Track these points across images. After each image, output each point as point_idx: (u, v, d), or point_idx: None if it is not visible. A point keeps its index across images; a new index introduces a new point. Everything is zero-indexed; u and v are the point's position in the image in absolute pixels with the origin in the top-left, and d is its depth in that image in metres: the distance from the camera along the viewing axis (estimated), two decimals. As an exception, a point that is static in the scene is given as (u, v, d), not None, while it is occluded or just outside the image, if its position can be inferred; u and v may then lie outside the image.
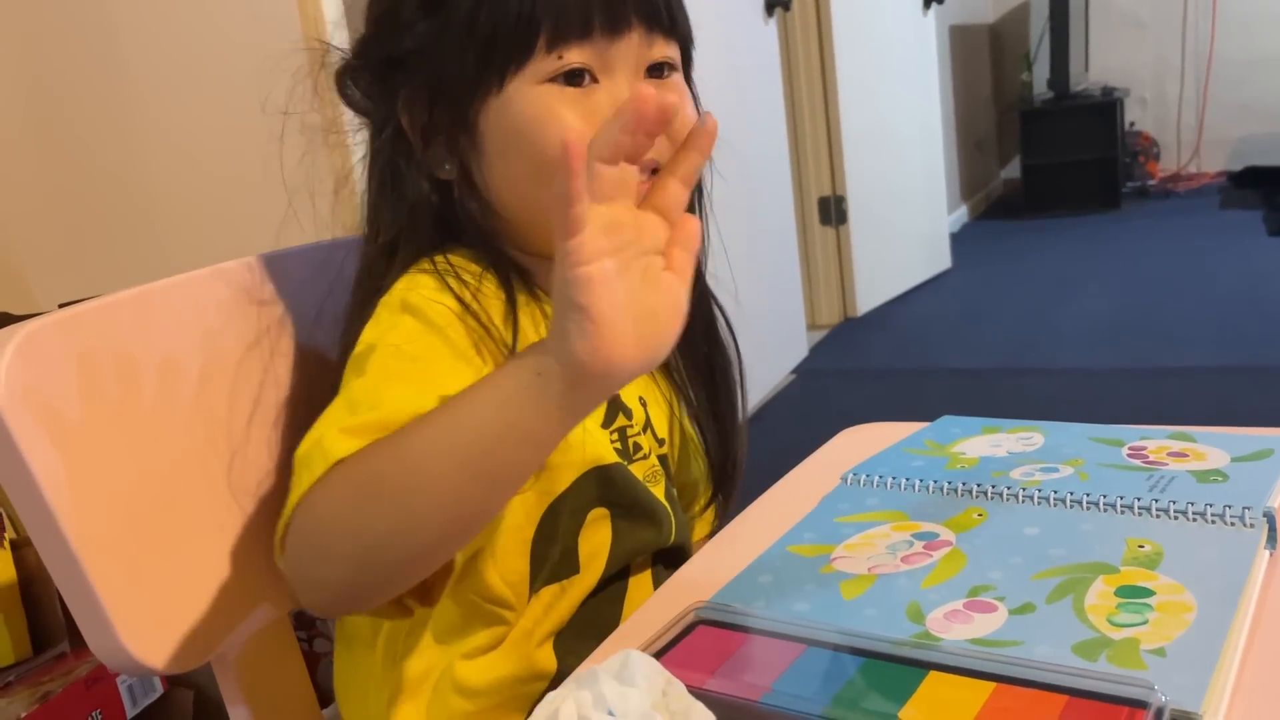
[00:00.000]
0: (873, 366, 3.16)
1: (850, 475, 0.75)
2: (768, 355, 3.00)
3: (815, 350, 3.30)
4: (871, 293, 3.65)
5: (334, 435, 0.54)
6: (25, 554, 1.20)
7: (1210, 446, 0.73)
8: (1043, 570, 0.59)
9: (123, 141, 1.72)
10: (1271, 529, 0.59)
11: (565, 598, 0.70)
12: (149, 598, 0.65)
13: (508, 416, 0.50)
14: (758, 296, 2.92)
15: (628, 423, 0.73)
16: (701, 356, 0.79)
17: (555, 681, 0.68)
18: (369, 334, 0.62)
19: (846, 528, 0.68)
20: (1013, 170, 5.46)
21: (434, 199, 0.68)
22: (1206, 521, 0.61)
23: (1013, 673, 0.48)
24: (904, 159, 3.76)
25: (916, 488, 0.72)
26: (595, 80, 0.64)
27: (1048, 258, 4.13)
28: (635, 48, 0.65)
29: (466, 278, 0.65)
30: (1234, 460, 0.69)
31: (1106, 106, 4.76)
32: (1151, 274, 3.67)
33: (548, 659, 0.69)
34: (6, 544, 1.20)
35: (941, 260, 4.05)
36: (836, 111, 3.40)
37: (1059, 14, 4.71)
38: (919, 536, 0.65)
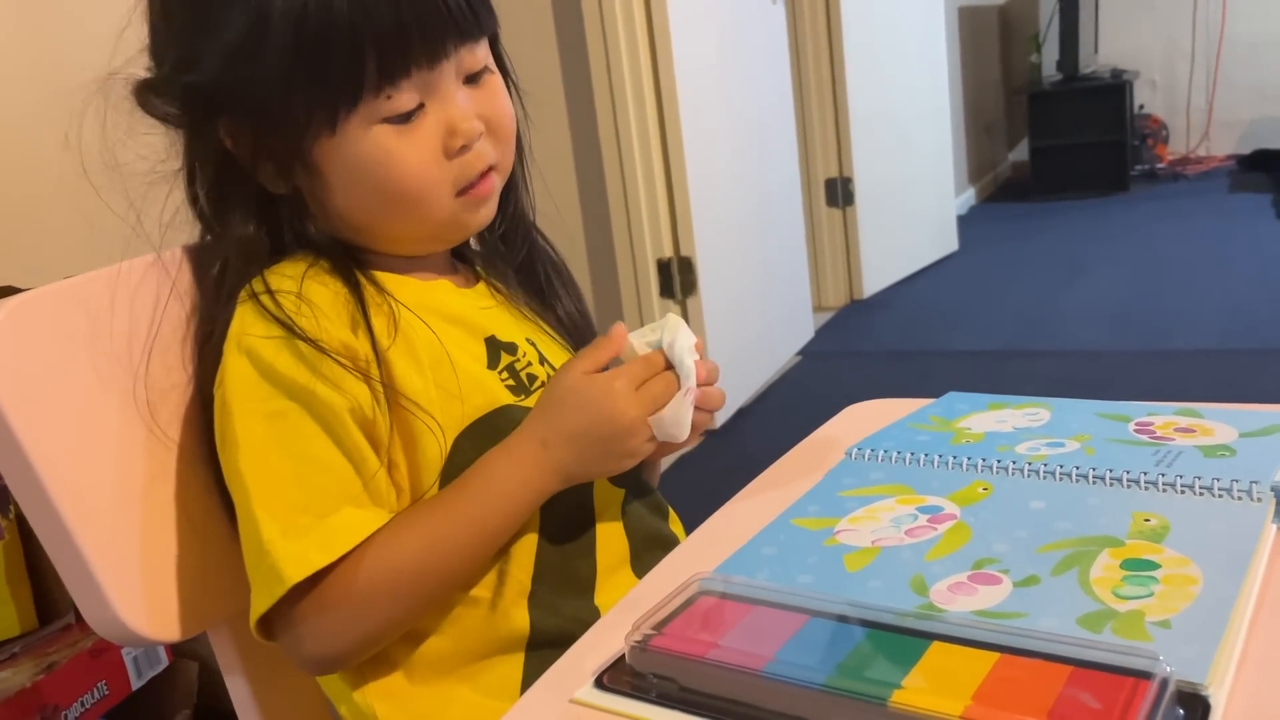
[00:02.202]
0: (879, 349, 3.15)
1: (855, 450, 0.75)
2: (773, 337, 2.99)
3: (821, 332, 3.29)
4: (878, 275, 3.63)
5: (285, 556, 0.61)
6: (31, 527, 1.21)
7: (1218, 422, 0.72)
8: (1048, 543, 0.58)
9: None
10: (1279, 503, 0.59)
11: (514, 558, 0.69)
12: (142, 566, 0.65)
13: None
14: (764, 278, 2.92)
15: (514, 358, 0.74)
16: (536, 281, 0.82)
17: (530, 644, 0.68)
18: (234, 398, 0.64)
19: (850, 501, 0.68)
20: (1021, 153, 5.43)
21: (262, 222, 0.69)
22: (1213, 495, 0.61)
23: (1016, 643, 0.48)
24: (912, 141, 3.74)
25: (921, 462, 0.71)
26: (422, 106, 0.67)
27: (1055, 240, 4.10)
28: (452, 65, 0.67)
29: (287, 299, 0.65)
30: (1242, 435, 0.69)
31: (1115, 89, 4.73)
32: (1160, 257, 3.65)
33: (519, 622, 0.69)
34: (13, 515, 1.20)
35: (949, 242, 4.04)
36: (844, 92, 3.38)
37: (1069, -5, 4.68)
38: (923, 510, 0.65)
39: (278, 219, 0.70)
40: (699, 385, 0.69)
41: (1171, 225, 4.08)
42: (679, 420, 0.68)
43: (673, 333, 0.70)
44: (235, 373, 0.65)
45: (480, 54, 0.70)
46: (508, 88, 0.75)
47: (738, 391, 2.71)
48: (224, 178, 0.68)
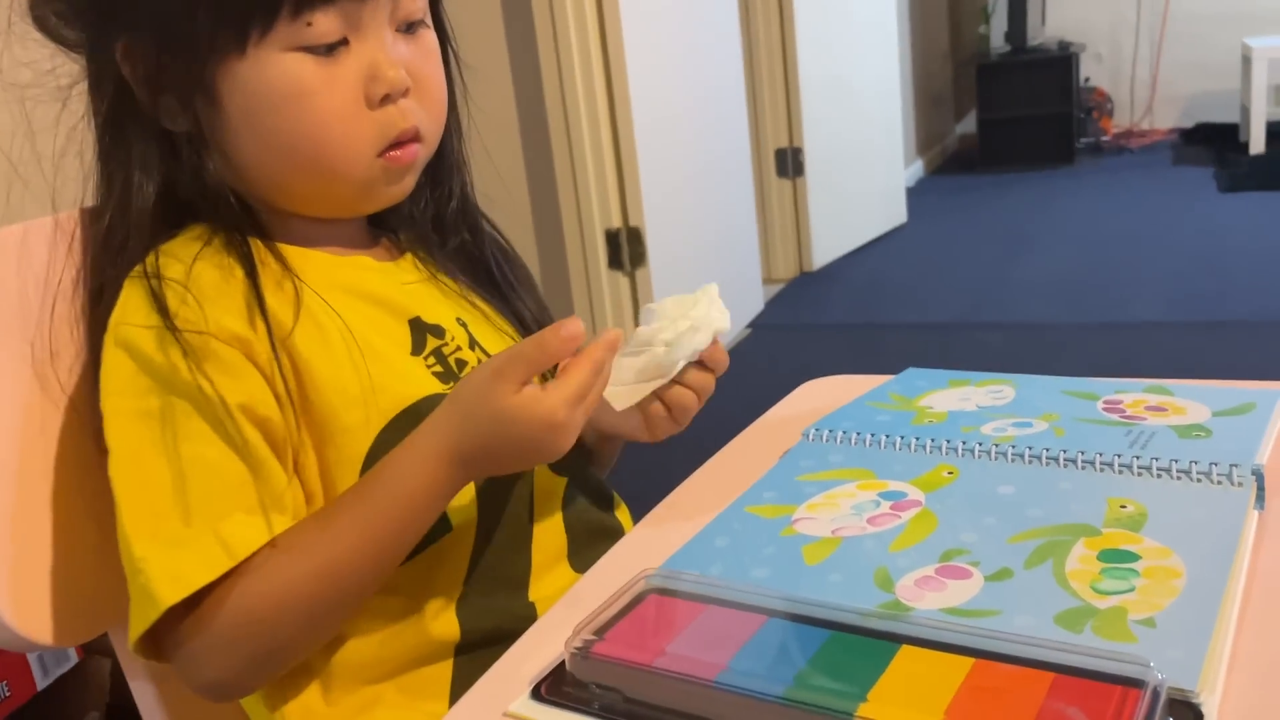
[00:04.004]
0: (829, 321, 3.12)
1: (812, 430, 0.71)
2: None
3: (771, 304, 3.26)
4: (828, 246, 3.60)
5: (159, 574, 0.54)
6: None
7: (1189, 400, 0.69)
8: (1019, 532, 0.55)
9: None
10: (1260, 487, 0.56)
11: (448, 560, 0.63)
12: (28, 562, 0.59)
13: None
14: (714, 249, 2.87)
15: (441, 341, 0.67)
16: (485, 271, 0.75)
17: (459, 649, 0.63)
18: (108, 395, 0.58)
19: (809, 486, 0.64)
20: (968, 125, 5.43)
21: (162, 163, 0.62)
22: (1192, 480, 0.57)
23: (992, 646, 0.44)
24: (861, 112, 3.70)
25: (883, 444, 0.67)
26: (345, 42, 0.60)
27: (1003, 212, 4.11)
28: (385, 5, 0.61)
29: (172, 288, 0.58)
30: (1215, 414, 0.66)
31: (1062, 61, 4.73)
32: (1106, 230, 3.66)
33: (447, 627, 0.63)
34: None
35: (898, 214, 4.02)
36: (795, 62, 3.32)
37: (1017, -34, 4.66)
38: (886, 496, 0.61)
39: (176, 167, 0.62)
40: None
41: (1117, 198, 4.11)
42: (621, 397, 0.63)
43: (700, 317, 0.63)
44: (111, 367, 0.58)
45: (419, 3, 0.63)
46: (446, 56, 0.68)
47: (687, 365, 2.66)
48: (121, 111, 0.61)
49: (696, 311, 0.63)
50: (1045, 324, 2.83)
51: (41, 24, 0.61)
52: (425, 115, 0.64)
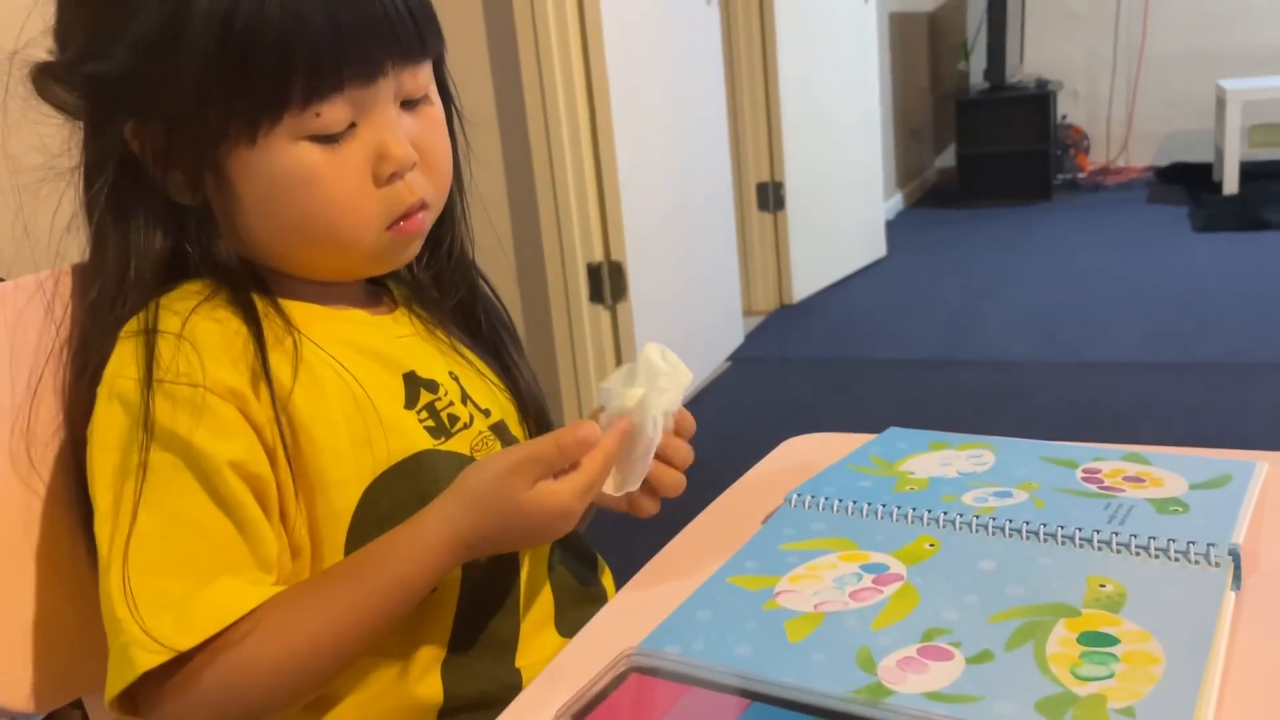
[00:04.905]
0: (808, 355, 3.14)
1: (795, 495, 0.71)
2: (704, 342, 2.96)
3: (751, 337, 3.27)
4: (808, 280, 3.63)
5: (139, 637, 0.54)
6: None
7: (1166, 470, 0.70)
8: (1000, 611, 0.55)
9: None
10: (1237, 568, 0.56)
11: (431, 620, 0.63)
12: (3, 635, 0.58)
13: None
14: (695, 282, 2.88)
15: (434, 396, 0.67)
16: (476, 326, 0.76)
17: (443, 713, 0.63)
18: (99, 449, 0.58)
19: (791, 556, 0.64)
20: (947, 159, 5.49)
21: (168, 236, 0.62)
22: (1169, 559, 0.58)
23: (974, 737, 0.44)
24: (842, 146, 3.74)
25: (865, 512, 0.68)
26: (353, 125, 0.61)
27: (980, 248, 4.15)
28: (389, 86, 0.62)
29: (166, 340, 0.59)
30: (1192, 487, 0.66)
31: (1040, 98, 4.80)
32: (1081, 266, 3.71)
33: (431, 690, 0.63)
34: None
35: (877, 248, 4.05)
36: (777, 96, 3.36)
37: (996, 4, 4.73)
38: (868, 569, 0.61)
39: (182, 236, 0.62)
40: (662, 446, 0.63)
41: (1092, 235, 4.16)
42: (625, 482, 0.63)
43: (647, 381, 0.63)
44: (104, 420, 0.58)
45: (422, 79, 0.64)
46: (450, 115, 0.69)
47: (667, 398, 2.66)
48: (126, 183, 0.61)
49: (653, 373, 0.64)
50: (1020, 362, 2.86)
51: (43, 92, 0.61)
52: (431, 186, 0.65)
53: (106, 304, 0.61)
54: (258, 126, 0.58)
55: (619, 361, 2.53)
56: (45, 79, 0.60)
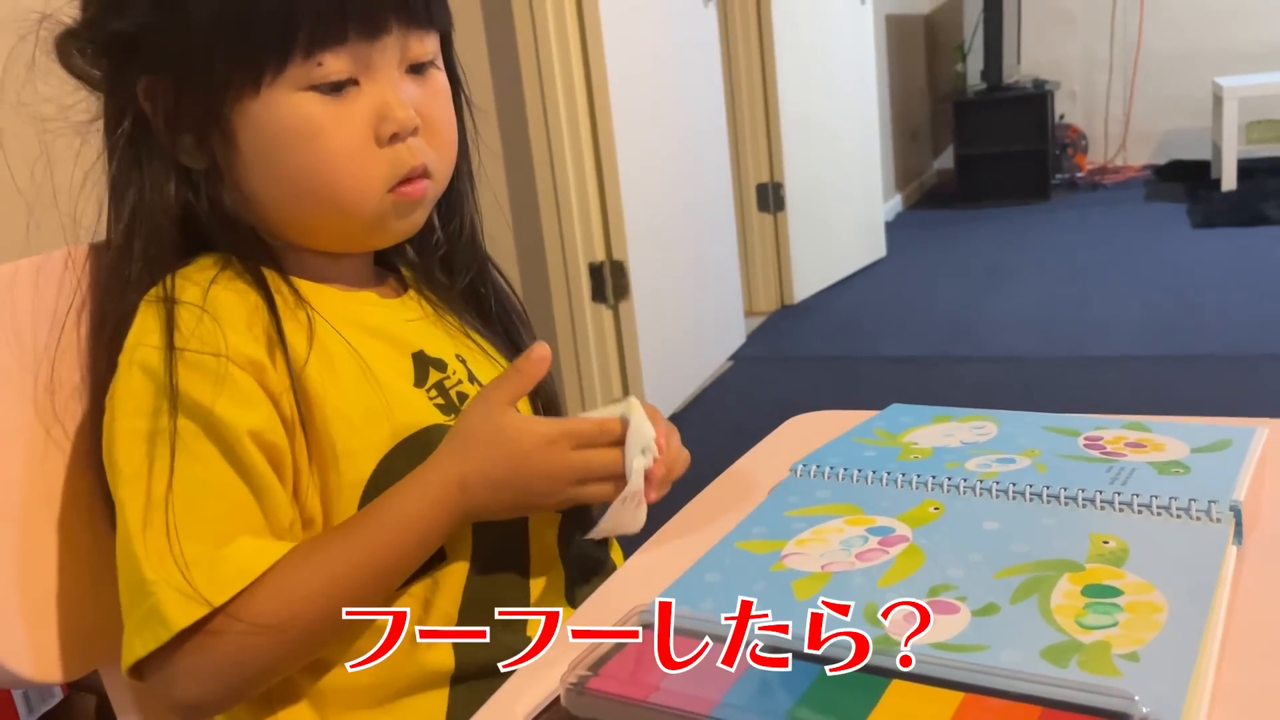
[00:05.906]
0: (809, 354, 3.15)
1: (800, 466, 0.72)
2: (706, 342, 2.97)
3: (752, 337, 3.28)
4: (808, 280, 3.64)
5: (170, 596, 0.55)
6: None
7: (1167, 437, 0.70)
8: (1005, 568, 0.56)
9: None
10: (1238, 523, 0.57)
11: (441, 588, 0.64)
12: (21, 598, 0.59)
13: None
14: (696, 282, 2.89)
15: (443, 375, 0.69)
16: (485, 309, 0.78)
17: (454, 679, 0.64)
18: (121, 415, 0.59)
19: (797, 522, 0.65)
20: (946, 160, 5.50)
21: (179, 195, 0.64)
22: (1171, 516, 0.59)
23: (981, 681, 0.45)
24: (841, 147, 3.75)
25: (869, 479, 0.68)
26: (356, 83, 0.62)
27: (980, 247, 4.16)
28: (394, 47, 0.63)
29: (189, 310, 0.60)
30: (1193, 451, 0.67)
31: (1037, 98, 4.81)
32: (1080, 264, 3.71)
33: (442, 658, 0.64)
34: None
35: (877, 249, 4.06)
36: (775, 98, 3.37)
37: (992, 5, 4.74)
38: (874, 531, 0.62)
39: (193, 195, 0.64)
40: (649, 482, 0.63)
41: (1091, 233, 4.16)
42: (618, 526, 0.63)
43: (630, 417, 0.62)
44: (126, 387, 0.59)
45: (429, 45, 0.65)
46: (457, 98, 0.70)
47: (670, 397, 2.67)
48: (140, 139, 0.63)
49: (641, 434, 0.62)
50: (1021, 357, 2.87)
51: (65, 61, 0.62)
52: (434, 154, 0.66)
53: (125, 273, 0.62)
54: (262, 74, 0.59)
55: (621, 361, 2.54)
56: (69, 44, 0.62)
